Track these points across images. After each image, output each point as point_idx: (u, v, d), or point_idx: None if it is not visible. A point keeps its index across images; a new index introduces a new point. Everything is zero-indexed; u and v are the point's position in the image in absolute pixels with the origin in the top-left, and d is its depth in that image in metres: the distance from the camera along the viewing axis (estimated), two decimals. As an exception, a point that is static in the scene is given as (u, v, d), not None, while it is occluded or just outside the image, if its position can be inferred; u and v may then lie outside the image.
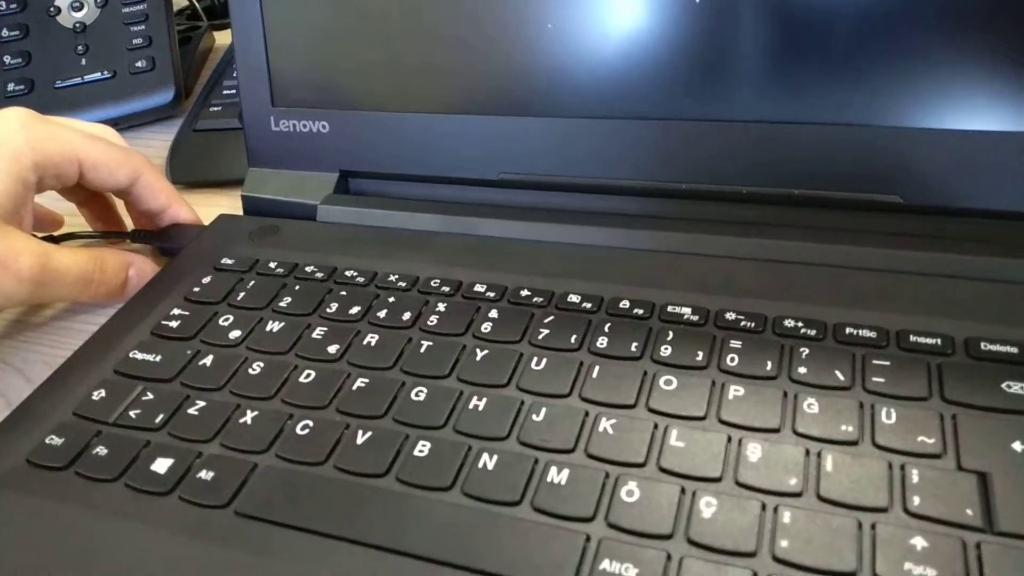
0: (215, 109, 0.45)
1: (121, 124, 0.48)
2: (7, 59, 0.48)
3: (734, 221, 0.30)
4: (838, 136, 0.29)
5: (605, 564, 0.20)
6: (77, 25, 0.48)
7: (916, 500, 0.20)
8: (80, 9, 0.49)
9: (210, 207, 0.39)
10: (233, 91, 0.46)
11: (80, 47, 0.48)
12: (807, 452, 0.22)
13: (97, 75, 0.48)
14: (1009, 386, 0.23)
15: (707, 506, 0.21)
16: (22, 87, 0.47)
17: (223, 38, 0.62)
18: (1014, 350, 0.24)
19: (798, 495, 0.21)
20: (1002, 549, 0.19)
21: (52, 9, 0.49)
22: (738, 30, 0.29)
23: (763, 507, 0.20)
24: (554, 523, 0.21)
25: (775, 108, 0.29)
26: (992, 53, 0.27)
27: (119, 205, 0.38)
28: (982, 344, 0.24)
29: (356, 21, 0.34)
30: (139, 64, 0.48)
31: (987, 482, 0.20)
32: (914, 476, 0.21)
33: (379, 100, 0.34)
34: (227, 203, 0.41)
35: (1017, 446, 0.21)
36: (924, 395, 0.23)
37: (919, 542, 0.19)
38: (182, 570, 0.21)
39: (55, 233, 0.38)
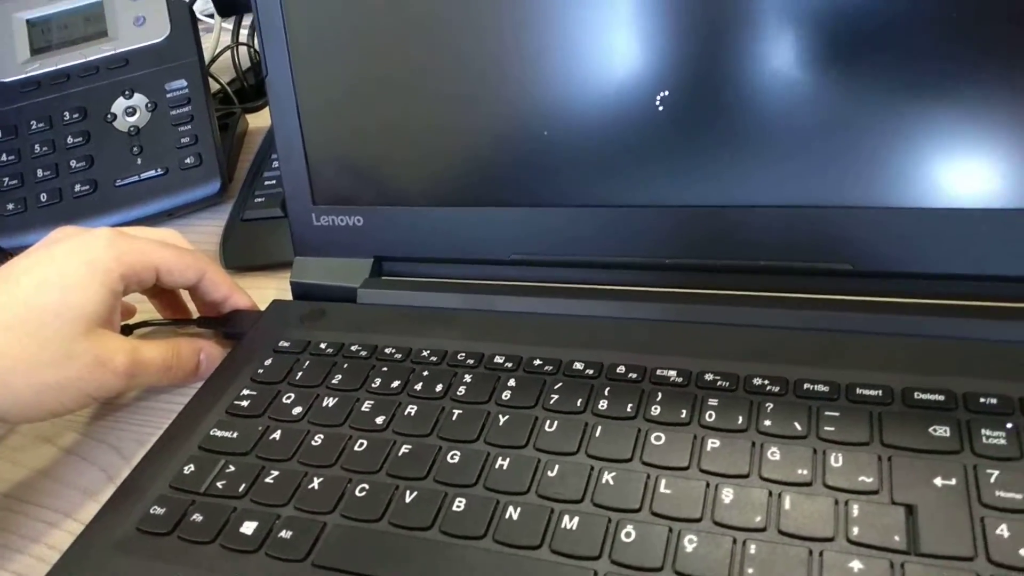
0: (259, 200, 0.51)
1: (174, 215, 0.55)
2: (72, 163, 0.54)
3: (710, 291, 0.35)
4: (797, 215, 0.34)
5: (610, 593, 0.25)
6: (132, 129, 0.55)
7: (856, 530, 0.25)
8: (133, 114, 0.55)
9: (261, 289, 0.45)
10: (273, 182, 0.52)
11: (135, 148, 0.54)
12: (770, 493, 0.27)
13: (152, 172, 0.54)
14: (935, 430, 0.28)
15: (690, 543, 0.26)
16: (87, 187, 0.54)
17: (255, 120, 0.68)
18: (941, 398, 0.29)
19: (763, 530, 0.26)
20: (923, 568, 0.24)
21: (109, 116, 0.55)
22: (703, 132, 0.34)
23: (734, 541, 0.26)
24: (569, 562, 0.26)
25: (742, 194, 0.34)
26: (926, 143, 0.32)
27: (183, 294, 0.44)
28: (915, 394, 0.29)
29: (384, 132, 0.40)
30: (188, 160, 0.54)
31: (913, 512, 0.25)
32: (855, 510, 0.26)
33: (406, 196, 0.40)
34: (275, 284, 0.47)
35: (938, 481, 0.26)
36: (866, 440, 0.28)
37: (856, 564, 0.24)
38: (275, 614, 0.27)
39: (130, 322, 0.44)
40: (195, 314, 0.44)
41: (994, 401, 0.28)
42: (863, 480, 0.27)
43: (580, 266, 0.38)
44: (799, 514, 0.26)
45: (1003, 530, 0.24)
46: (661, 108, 0.34)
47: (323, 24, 0.39)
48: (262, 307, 0.43)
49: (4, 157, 0.55)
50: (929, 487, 0.26)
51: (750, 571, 0.25)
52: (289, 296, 0.43)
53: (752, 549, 0.25)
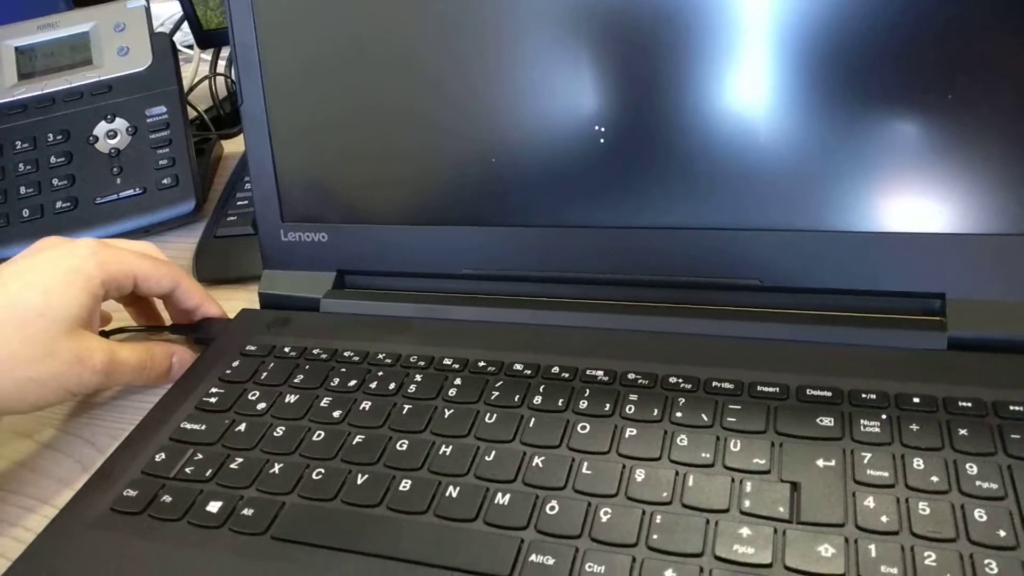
0: (232, 219, 0.54)
1: (151, 231, 0.58)
2: (55, 181, 0.57)
3: (636, 303, 0.39)
4: (713, 237, 0.38)
5: (533, 557, 0.28)
6: (112, 151, 0.58)
7: (747, 503, 0.29)
8: (114, 137, 0.59)
9: (231, 300, 0.48)
10: (245, 202, 0.55)
11: (115, 168, 0.58)
12: (676, 473, 0.31)
13: (130, 192, 0.57)
14: (821, 420, 0.32)
15: (605, 514, 0.29)
16: (68, 204, 0.57)
17: (229, 146, 0.72)
18: (828, 394, 0.33)
19: (668, 503, 0.29)
20: (800, 533, 0.28)
21: (91, 138, 0.59)
22: (632, 164, 0.38)
23: (643, 512, 0.29)
24: (500, 532, 0.30)
25: (666, 218, 0.39)
26: (820, 176, 0.36)
27: (157, 303, 0.47)
28: (807, 390, 0.33)
29: (347, 156, 0.44)
30: (165, 181, 0.57)
31: (797, 488, 0.29)
32: (747, 487, 0.29)
33: (367, 215, 0.44)
34: (244, 296, 0.50)
35: (820, 462, 0.30)
36: (762, 429, 0.32)
37: (745, 531, 0.28)
38: (236, 579, 0.30)
39: (107, 328, 0.47)
40: (168, 322, 0.47)
41: (873, 396, 0.32)
42: (756, 462, 0.30)
43: (523, 280, 0.42)
44: (700, 490, 0.30)
45: (870, 502, 0.28)
46: (597, 141, 0.39)
47: (295, 61, 0.43)
48: (231, 316, 0.46)
49: (-11, 174, 0.58)
50: (812, 467, 0.30)
51: (655, 537, 0.28)
52: (257, 307, 0.46)
53: (658, 519, 0.29)
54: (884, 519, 0.28)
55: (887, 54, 0.34)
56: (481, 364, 0.38)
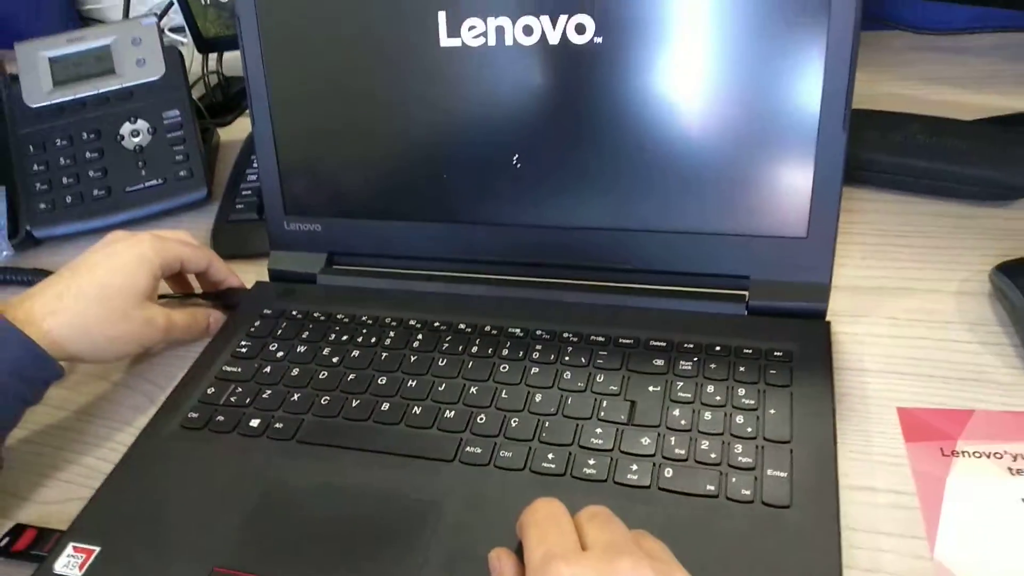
0: (240, 207, 0.69)
1: (170, 214, 0.72)
2: (91, 173, 0.71)
3: (547, 280, 0.56)
4: (599, 233, 0.54)
5: (468, 448, 0.45)
6: (137, 147, 0.72)
7: (603, 413, 0.46)
8: (137, 136, 0.72)
9: (244, 273, 0.63)
10: (250, 192, 0.70)
11: (140, 162, 0.72)
12: (562, 396, 0.47)
13: (153, 182, 0.71)
14: (655, 361, 0.48)
15: (514, 422, 0.46)
16: (103, 192, 0.71)
17: (226, 134, 0.86)
18: (663, 344, 0.49)
19: (554, 415, 0.46)
20: (633, 430, 0.45)
21: (118, 136, 0.72)
22: (541, 180, 0.54)
23: (538, 420, 0.46)
24: (448, 435, 0.46)
25: (567, 219, 0.54)
26: (657, 194, 0.52)
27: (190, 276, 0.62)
28: (650, 342, 0.50)
29: (337, 167, 0.59)
30: (181, 173, 0.72)
31: (635, 405, 0.46)
32: (604, 403, 0.46)
33: (352, 212, 0.59)
34: (254, 270, 0.64)
35: (651, 388, 0.47)
36: (618, 367, 0.49)
37: (599, 430, 0.45)
38: (275, 472, 0.46)
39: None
40: (198, 290, 0.62)
41: (691, 346, 0.49)
42: (611, 388, 0.47)
43: (467, 262, 0.58)
44: (575, 406, 0.47)
45: (676, 412, 0.45)
46: (515, 165, 0.54)
47: (296, 95, 0.58)
48: (248, 286, 0.61)
49: (36, 167, 0.71)
50: (646, 391, 0.47)
51: (544, 435, 0.45)
52: (267, 278, 0.62)
53: (547, 424, 0.46)
54: (683, 422, 0.45)
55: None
56: (436, 324, 0.54)
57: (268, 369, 0.53)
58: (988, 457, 0.43)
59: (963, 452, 0.43)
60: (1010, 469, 0.42)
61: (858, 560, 0.39)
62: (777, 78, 0.48)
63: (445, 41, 0.52)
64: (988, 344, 0.49)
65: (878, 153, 0.62)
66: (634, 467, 0.43)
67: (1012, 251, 0.53)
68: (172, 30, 1.05)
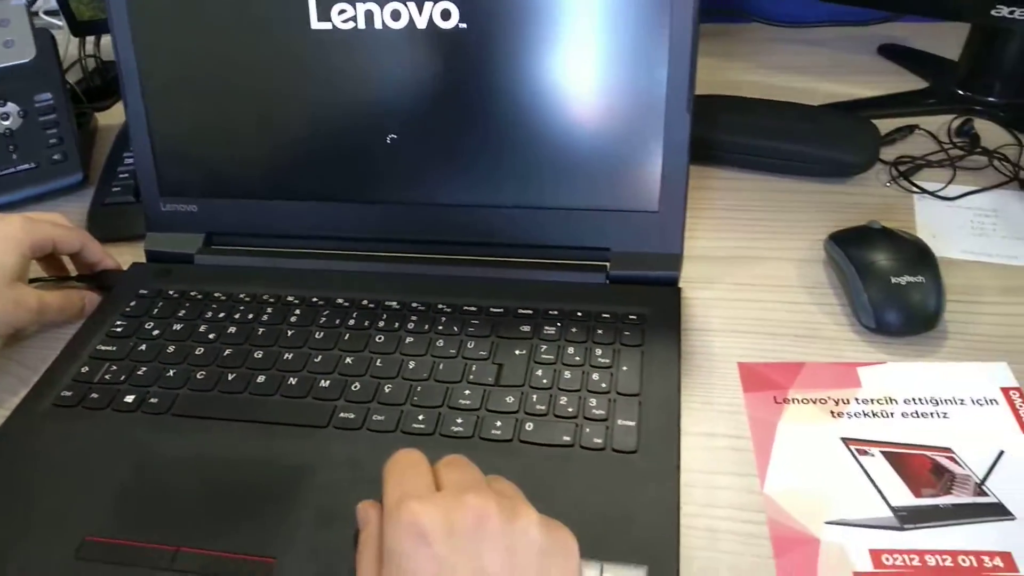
0: (116, 190, 0.68)
1: (45, 199, 0.71)
2: (-43, 157, 0.69)
3: (418, 255, 0.58)
4: (471, 211, 0.57)
5: (341, 414, 0.47)
6: (6, 131, 0.70)
7: (471, 376, 0.48)
8: (7, 119, 0.70)
9: (121, 255, 0.63)
10: (126, 175, 0.69)
11: (11, 146, 0.70)
12: (434, 363, 0.50)
13: (26, 166, 0.70)
14: (522, 327, 0.51)
15: (387, 388, 0.48)
16: (-29, 176, 0.69)
17: (104, 118, 0.84)
18: (530, 312, 0.53)
19: (426, 380, 0.49)
20: (498, 390, 0.47)
21: (-14, 120, 0.70)
22: (413, 159, 0.56)
23: (411, 386, 0.48)
24: (323, 403, 0.48)
25: (433, 196, 0.57)
26: (507, 177, 0.55)
27: (64, 258, 0.61)
28: (518, 310, 0.53)
29: (210, 150, 0.59)
30: (55, 157, 0.70)
31: (502, 367, 0.49)
32: (473, 367, 0.49)
33: (226, 193, 0.60)
34: (131, 252, 0.64)
35: (517, 352, 0.50)
36: (488, 334, 0.51)
37: (467, 391, 0.47)
38: (149, 446, 0.47)
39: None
40: (74, 273, 0.61)
41: (555, 312, 0.52)
42: (481, 353, 0.50)
43: (347, 239, 0.59)
44: (446, 371, 0.49)
45: (539, 372, 0.48)
46: (389, 145, 0.56)
47: (169, 78, 0.58)
48: (124, 268, 0.61)
49: None
50: (512, 355, 0.50)
51: (415, 398, 0.47)
52: (143, 260, 0.62)
53: (419, 388, 0.48)
54: (545, 381, 0.48)
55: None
56: (314, 299, 0.56)
57: (143, 347, 0.53)
58: (814, 403, 0.48)
59: (793, 399, 0.48)
60: (832, 412, 0.47)
61: (696, 497, 0.43)
62: (628, 65, 0.52)
63: (316, 24, 0.54)
64: (820, 304, 0.54)
65: (732, 135, 0.67)
66: (498, 423, 0.46)
67: (846, 222, 0.58)
68: (47, 13, 1.02)
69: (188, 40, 0.57)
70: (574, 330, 0.51)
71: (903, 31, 0.87)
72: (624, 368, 0.48)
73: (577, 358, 0.49)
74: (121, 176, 0.70)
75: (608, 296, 0.54)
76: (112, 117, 0.84)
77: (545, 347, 0.50)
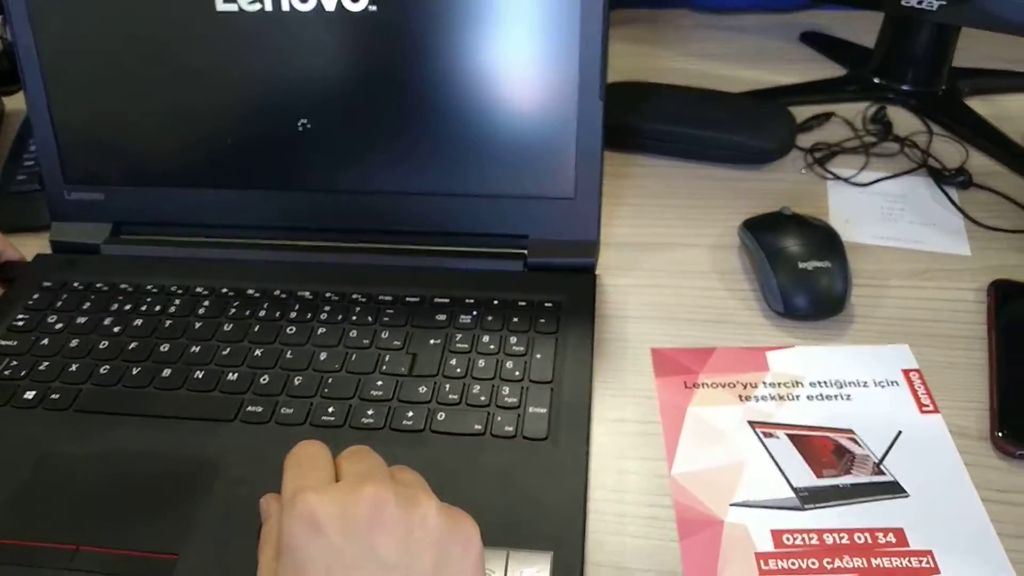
0: (21, 178, 0.65)
1: (-56, 187, 0.68)
2: None
3: (337, 244, 0.57)
4: (390, 197, 0.56)
5: (249, 408, 0.46)
6: (-100, 116, 0.67)
7: (385, 367, 0.48)
8: (-99, 103, 0.67)
9: (25, 246, 0.61)
10: (32, 163, 0.66)
11: (-95, 132, 0.67)
12: (347, 353, 0.49)
13: (-78, 153, 0.66)
14: (438, 316, 0.51)
15: (297, 380, 0.47)
16: None
17: (11, 103, 0.81)
18: (447, 300, 0.52)
19: (338, 371, 0.48)
20: (412, 380, 0.47)
21: None
22: (326, 145, 0.55)
23: (321, 378, 0.47)
24: (229, 397, 0.47)
25: (348, 184, 0.56)
26: (430, 165, 0.55)
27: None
28: (434, 299, 0.52)
29: (117, 134, 0.57)
30: (-46, 143, 0.67)
31: (416, 357, 0.49)
32: (387, 357, 0.48)
33: (134, 180, 0.58)
34: (36, 242, 0.62)
35: (432, 341, 0.49)
36: (403, 324, 0.51)
37: (380, 382, 0.47)
38: (50, 443, 0.45)
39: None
40: (-27, 266, 0.59)
41: (471, 301, 0.52)
42: (395, 343, 0.50)
43: (258, 228, 0.58)
44: (358, 361, 0.48)
45: (454, 361, 0.48)
46: (300, 131, 0.55)
47: (67, 56, 0.56)
48: (28, 259, 0.59)
49: None
50: (427, 344, 0.49)
51: (326, 390, 0.47)
52: (49, 251, 0.59)
53: (330, 380, 0.47)
54: (458, 370, 0.48)
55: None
56: (224, 291, 0.54)
57: (46, 341, 0.51)
58: (723, 387, 0.48)
59: (703, 384, 0.49)
60: (740, 396, 0.48)
61: (605, 481, 0.43)
62: (540, 51, 0.51)
63: (222, 6, 0.52)
64: (733, 290, 0.55)
65: (652, 122, 0.67)
66: (410, 413, 0.45)
67: (759, 208, 0.59)
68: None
69: (89, 22, 0.55)
70: (490, 318, 0.51)
71: (825, 19, 0.88)
72: (538, 356, 0.48)
73: (492, 346, 0.49)
74: (27, 164, 0.67)
75: (526, 284, 0.54)
76: (21, 102, 0.81)
77: (460, 336, 0.50)
